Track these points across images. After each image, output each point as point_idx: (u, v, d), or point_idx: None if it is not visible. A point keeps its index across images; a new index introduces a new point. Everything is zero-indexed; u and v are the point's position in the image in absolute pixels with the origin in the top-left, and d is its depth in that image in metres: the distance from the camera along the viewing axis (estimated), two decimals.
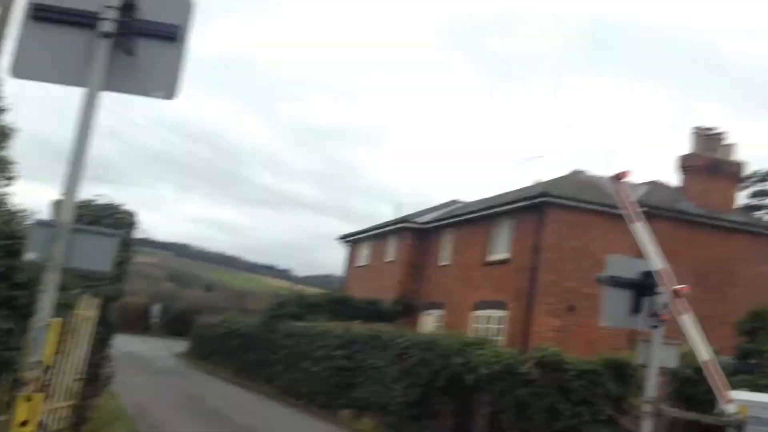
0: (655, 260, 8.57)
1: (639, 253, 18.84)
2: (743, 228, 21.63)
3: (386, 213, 72.68)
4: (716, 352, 14.27)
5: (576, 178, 21.97)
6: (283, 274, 74.54)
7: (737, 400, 9.35)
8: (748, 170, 26.20)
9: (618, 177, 8.74)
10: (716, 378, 8.34)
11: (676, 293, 8.43)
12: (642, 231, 8.66)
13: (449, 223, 25.57)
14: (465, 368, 14.04)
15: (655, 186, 22.77)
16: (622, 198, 8.68)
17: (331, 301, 26.23)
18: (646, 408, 9.21)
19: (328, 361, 19.56)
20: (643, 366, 9.61)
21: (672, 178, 22.94)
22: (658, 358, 9.13)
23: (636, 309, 8.93)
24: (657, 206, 20.22)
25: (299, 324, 23.02)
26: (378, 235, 29.99)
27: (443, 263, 25.32)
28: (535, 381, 12.99)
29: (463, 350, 14.49)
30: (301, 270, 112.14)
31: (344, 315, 23.08)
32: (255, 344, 25.71)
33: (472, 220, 23.80)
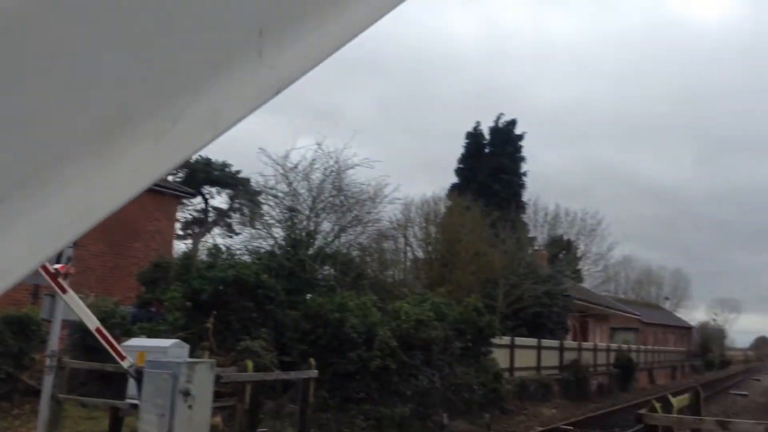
0: None
1: None
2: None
3: None
4: (120, 303, 15.03)
5: None
6: None
7: (136, 347, 10.05)
8: None
9: None
10: (110, 342, 8.38)
11: (55, 274, 7.93)
12: None
13: None
14: None
15: None
16: None
17: None
18: (49, 362, 9.15)
19: None
20: (47, 320, 9.48)
21: None
22: (62, 312, 9.13)
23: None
24: None
25: None
26: None
27: None
28: None
29: None
30: None
31: None
32: None
33: None
